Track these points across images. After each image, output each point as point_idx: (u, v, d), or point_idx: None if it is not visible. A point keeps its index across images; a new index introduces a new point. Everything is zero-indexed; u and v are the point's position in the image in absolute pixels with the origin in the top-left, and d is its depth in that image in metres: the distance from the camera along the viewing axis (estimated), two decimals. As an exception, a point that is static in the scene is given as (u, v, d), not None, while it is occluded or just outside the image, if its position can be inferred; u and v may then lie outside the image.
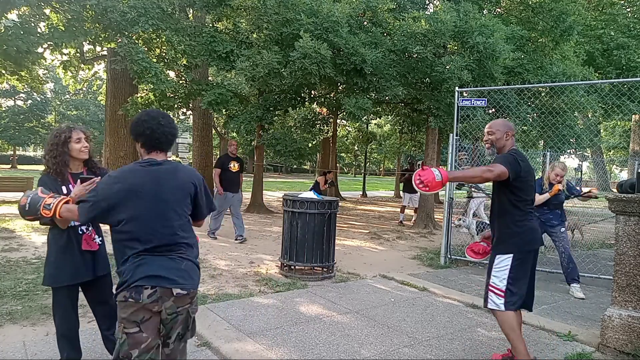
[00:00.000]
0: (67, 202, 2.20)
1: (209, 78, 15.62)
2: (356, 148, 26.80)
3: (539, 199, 5.20)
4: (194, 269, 2.10)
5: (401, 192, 12.65)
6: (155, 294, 1.95)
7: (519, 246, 2.93)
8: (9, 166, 36.97)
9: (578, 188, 5.58)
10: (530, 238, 2.96)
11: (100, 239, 2.74)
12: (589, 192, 5.53)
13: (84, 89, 36.98)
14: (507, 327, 2.91)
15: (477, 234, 7.42)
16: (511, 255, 2.92)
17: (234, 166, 7.64)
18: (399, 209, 11.90)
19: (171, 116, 2.30)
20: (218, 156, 13.33)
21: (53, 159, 2.54)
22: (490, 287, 2.96)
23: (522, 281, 2.92)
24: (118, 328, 2.00)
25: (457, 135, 6.49)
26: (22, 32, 8.24)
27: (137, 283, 1.94)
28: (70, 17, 9.03)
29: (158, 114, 2.17)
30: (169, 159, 2.25)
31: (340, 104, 10.75)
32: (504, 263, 2.92)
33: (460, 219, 7.54)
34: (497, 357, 3.17)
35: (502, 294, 2.89)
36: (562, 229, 5.26)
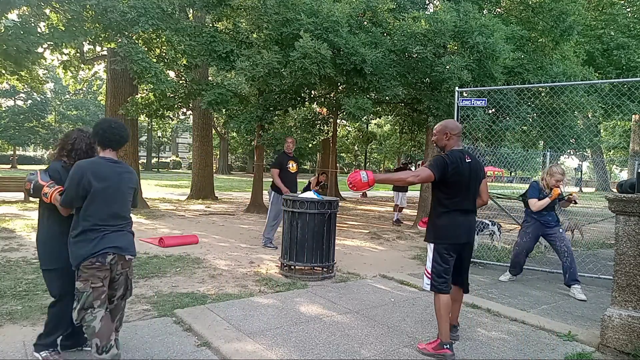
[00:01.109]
0: (61, 192, 2.71)
1: (209, 78, 15.62)
2: (356, 148, 26.83)
3: (540, 204, 5.16)
4: (133, 240, 2.87)
5: (392, 192, 12.65)
6: (115, 259, 2.68)
7: (436, 237, 3.30)
8: (9, 166, 36.95)
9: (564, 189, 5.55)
10: (450, 233, 3.26)
11: None
12: (570, 195, 5.40)
13: (84, 89, 37.00)
14: (435, 307, 3.26)
15: (478, 234, 7.43)
16: (432, 244, 3.31)
17: (292, 166, 7.09)
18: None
19: (123, 123, 2.93)
20: (218, 156, 13.29)
21: (84, 153, 2.93)
22: (425, 270, 3.37)
23: (445, 268, 3.26)
24: (83, 285, 2.60)
25: (457, 135, 6.47)
26: (22, 32, 8.23)
27: (103, 251, 2.62)
28: (70, 17, 9.02)
29: (111, 120, 2.86)
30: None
31: (340, 104, 10.74)
32: (429, 249, 3.34)
33: None
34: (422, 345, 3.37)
35: (430, 276, 3.29)
36: (561, 229, 5.24)
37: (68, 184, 2.63)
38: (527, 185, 5.95)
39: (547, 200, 5.13)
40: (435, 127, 3.48)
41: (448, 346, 3.15)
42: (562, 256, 5.13)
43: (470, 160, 3.30)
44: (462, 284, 3.47)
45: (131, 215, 2.90)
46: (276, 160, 7.31)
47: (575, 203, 5.47)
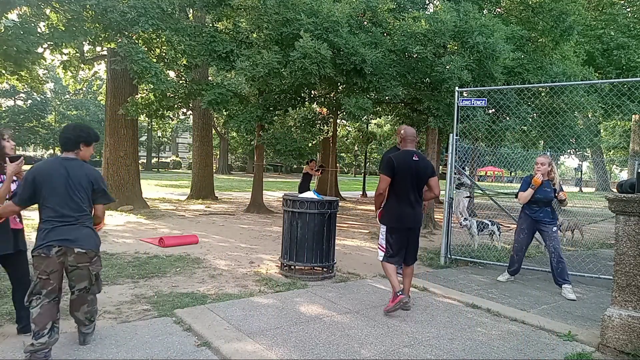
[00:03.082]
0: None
1: (209, 78, 15.62)
2: (356, 148, 26.80)
3: (524, 195, 5.14)
4: (91, 234, 2.97)
5: None
6: (61, 251, 2.82)
7: (386, 222, 4.15)
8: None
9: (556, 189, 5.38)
10: (397, 218, 4.07)
11: (19, 219, 3.33)
12: (558, 194, 5.23)
13: (84, 89, 36.96)
14: (386, 272, 4.18)
15: (478, 233, 7.44)
16: (384, 226, 4.17)
17: None
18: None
19: (74, 125, 3.13)
20: (218, 156, 13.29)
21: None
22: (379, 245, 4.28)
23: (395, 246, 4.11)
24: (34, 273, 2.84)
25: (457, 136, 6.48)
26: (22, 32, 8.22)
27: (48, 243, 2.80)
28: (70, 17, 9.01)
29: (67, 126, 3.09)
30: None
31: (340, 104, 10.74)
32: (382, 230, 4.21)
33: (466, 219, 7.56)
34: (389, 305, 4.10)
35: (384, 250, 4.18)
36: (554, 229, 5.15)
37: (21, 184, 2.97)
38: None
39: (530, 191, 5.10)
40: (398, 129, 4.37)
41: (400, 292, 4.02)
42: (550, 255, 5.14)
43: (418, 159, 4.05)
44: (407, 261, 4.22)
45: (91, 209, 3.04)
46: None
47: (562, 202, 5.37)
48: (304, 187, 11.24)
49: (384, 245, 4.17)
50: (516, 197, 5.41)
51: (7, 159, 3.14)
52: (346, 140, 26.68)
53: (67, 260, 2.87)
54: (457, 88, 6.76)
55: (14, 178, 3.16)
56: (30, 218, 9.12)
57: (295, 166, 42.94)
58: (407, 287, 4.18)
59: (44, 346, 2.79)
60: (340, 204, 7.57)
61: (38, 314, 2.80)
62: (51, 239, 2.82)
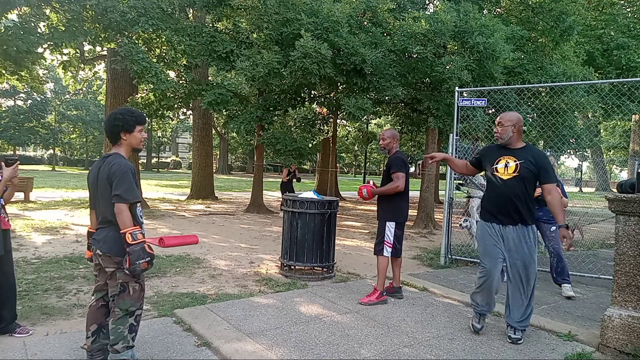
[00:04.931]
0: None
1: (209, 78, 15.62)
2: (356, 148, 26.82)
3: None
4: (113, 238, 2.68)
5: None
6: (94, 250, 2.76)
7: (397, 217, 4.46)
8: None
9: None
10: (403, 214, 4.48)
11: (7, 219, 3.30)
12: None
13: (84, 89, 36.96)
14: (382, 269, 4.41)
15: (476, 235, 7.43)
16: (393, 222, 4.43)
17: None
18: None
19: (111, 114, 2.86)
20: (218, 156, 13.27)
21: None
22: (385, 242, 4.41)
23: (400, 239, 4.51)
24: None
25: (457, 136, 6.48)
26: (22, 32, 8.22)
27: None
28: (70, 17, 9.01)
29: (108, 116, 2.86)
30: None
31: (340, 104, 10.74)
32: (389, 226, 4.42)
33: (466, 220, 7.55)
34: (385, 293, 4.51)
35: (391, 245, 4.41)
36: (553, 228, 5.07)
37: None
38: None
39: None
40: (385, 133, 4.61)
41: (385, 293, 4.45)
42: (550, 255, 5.15)
43: None
44: (400, 252, 4.57)
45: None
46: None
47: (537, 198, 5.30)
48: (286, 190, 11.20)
49: (391, 241, 4.38)
50: None
51: (2, 162, 3.12)
52: (346, 140, 26.68)
53: (97, 260, 2.78)
54: (457, 88, 6.76)
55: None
56: (30, 218, 9.13)
57: (293, 169, 42.73)
58: (398, 276, 4.66)
59: (87, 348, 2.76)
60: (340, 204, 7.57)
61: (87, 312, 2.82)
62: (92, 237, 2.79)
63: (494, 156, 3.60)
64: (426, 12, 9.67)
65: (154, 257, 2.70)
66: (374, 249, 4.52)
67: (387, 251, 4.38)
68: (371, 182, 4.77)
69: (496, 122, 3.64)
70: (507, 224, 3.50)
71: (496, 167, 3.55)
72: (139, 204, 2.78)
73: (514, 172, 3.47)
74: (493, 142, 4.11)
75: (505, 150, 3.58)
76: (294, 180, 11.78)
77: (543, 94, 10.45)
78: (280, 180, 12.49)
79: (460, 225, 7.34)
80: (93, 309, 2.81)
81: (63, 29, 9.02)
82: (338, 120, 18.30)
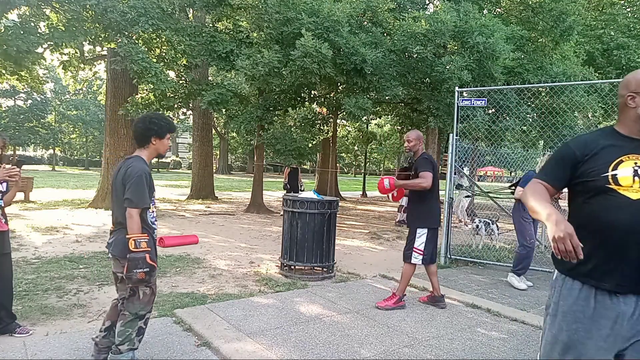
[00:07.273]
0: None
1: (209, 78, 15.62)
2: (356, 148, 26.82)
3: (518, 193, 4.99)
4: (123, 241, 2.65)
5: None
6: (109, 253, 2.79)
7: (429, 223, 4.26)
8: (9, 166, 36.90)
9: None
10: (435, 220, 4.26)
11: (5, 220, 3.29)
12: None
13: (84, 89, 37.01)
14: (407, 276, 4.30)
15: (477, 233, 7.44)
16: (425, 229, 4.24)
17: None
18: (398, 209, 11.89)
19: (145, 117, 2.83)
20: (218, 156, 13.26)
21: None
22: (414, 249, 4.24)
23: (434, 246, 4.29)
24: None
25: (457, 135, 6.48)
26: (22, 32, 8.22)
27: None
28: (70, 17, 9.01)
29: (139, 118, 2.82)
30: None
31: (340, 104, 10.74)
32: (420, 232, 4.25)
33: (474, 221, 7.56)
34: (423, 299, 4.50)
35: (422, 253, 4.22)
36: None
37: None
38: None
39: (520, 189, 5.02)
40: (410, 135, 4.30)
41: (403, 299, 4.29)
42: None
43: None
44: (435, 259, 4.37)
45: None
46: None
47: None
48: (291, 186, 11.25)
49: (422, 249, 4.18)
50: (512, 193, 5.37)
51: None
52: (346, 140, 26.67)
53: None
54: (457, 88, 6.76)
55: (6, 179, 3.21)
56: (29, 218, 9.13)
57: (294, 166, 42.78)
58: (437, 284, 4.38)
59: (97, 342, 2.81)
60: (340, 204, 7.58)
61: (108, 308, 2.91)
62: (108, 241, 2.83)
63: (608, 156, 1.73)
64: (426, 12, 9.68)
65: (155, 269, 2.65)
66: (403, 254, 4.33)
67: (417, 258, 4.19)
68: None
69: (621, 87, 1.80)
70: (627, 290, 1.66)
71: (615, 176, 1.69)
72: (154, 209, 2.80)
73: None
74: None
75: (630, 142, 1.75)
76: (298, 182, 11.73)
77: (543, 94, 10.45)
78: (282, 182, 12.46)
79: (467, 224, 7.33)
80: (113, 306, 2.87)
81: (63, 29, 9.01)
82: (338, 120, 18.29)
